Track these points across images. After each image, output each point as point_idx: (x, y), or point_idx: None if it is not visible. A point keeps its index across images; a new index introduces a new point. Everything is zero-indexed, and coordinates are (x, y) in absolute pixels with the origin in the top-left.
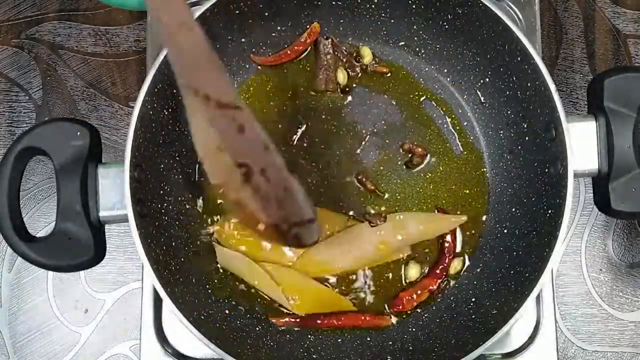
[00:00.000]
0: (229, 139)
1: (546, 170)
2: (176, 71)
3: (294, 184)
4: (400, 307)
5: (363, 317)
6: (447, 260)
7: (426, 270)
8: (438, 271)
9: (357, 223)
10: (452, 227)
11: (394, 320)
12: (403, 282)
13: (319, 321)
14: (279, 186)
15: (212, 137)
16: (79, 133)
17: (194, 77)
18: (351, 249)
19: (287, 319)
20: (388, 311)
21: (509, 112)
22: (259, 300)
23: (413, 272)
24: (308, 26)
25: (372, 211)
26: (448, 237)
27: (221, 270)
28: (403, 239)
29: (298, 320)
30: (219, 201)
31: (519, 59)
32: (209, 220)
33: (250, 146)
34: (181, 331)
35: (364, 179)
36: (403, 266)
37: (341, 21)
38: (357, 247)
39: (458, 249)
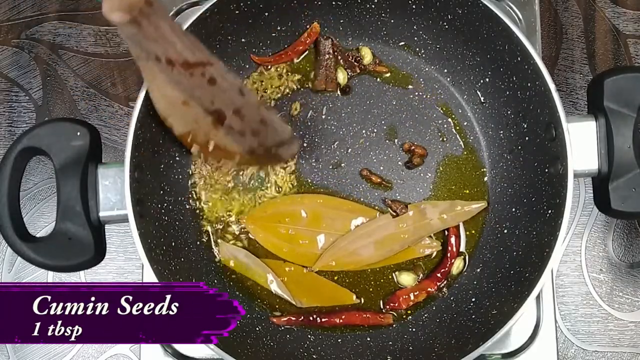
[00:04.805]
0: (200, 93)
1: (546, 170)
2: (132, 43)
3: (269, 114)
4: (396, 305)
5: (364, 315)
6: (449, 264)
7: (423, 275)
8: (439, 274)
9: (385, 214)
10: (473, 214)
11: (394, 317)
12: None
13: (319, 319)
14: (255, 120)
15: (176, 95)
16: (79, 133)
17: (154, 46)
18: (375, 239)
19: (287, 318)
20: (382, 308)
21: (509, 112)
22: (259, 300)
23: (405, 279)
24: (308, 26)
25: (390, 201)
26: (452, 240)
27: (221, 271)
28: (426, 228)
29: (300, 319)
30: (192, 152)
31: (519, 59)
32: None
33: (223, 94)
34: None
35: (368, 174)
36: (395, 274)
37: (341, 21)
38: (381, 237)
39: (462, 248)
